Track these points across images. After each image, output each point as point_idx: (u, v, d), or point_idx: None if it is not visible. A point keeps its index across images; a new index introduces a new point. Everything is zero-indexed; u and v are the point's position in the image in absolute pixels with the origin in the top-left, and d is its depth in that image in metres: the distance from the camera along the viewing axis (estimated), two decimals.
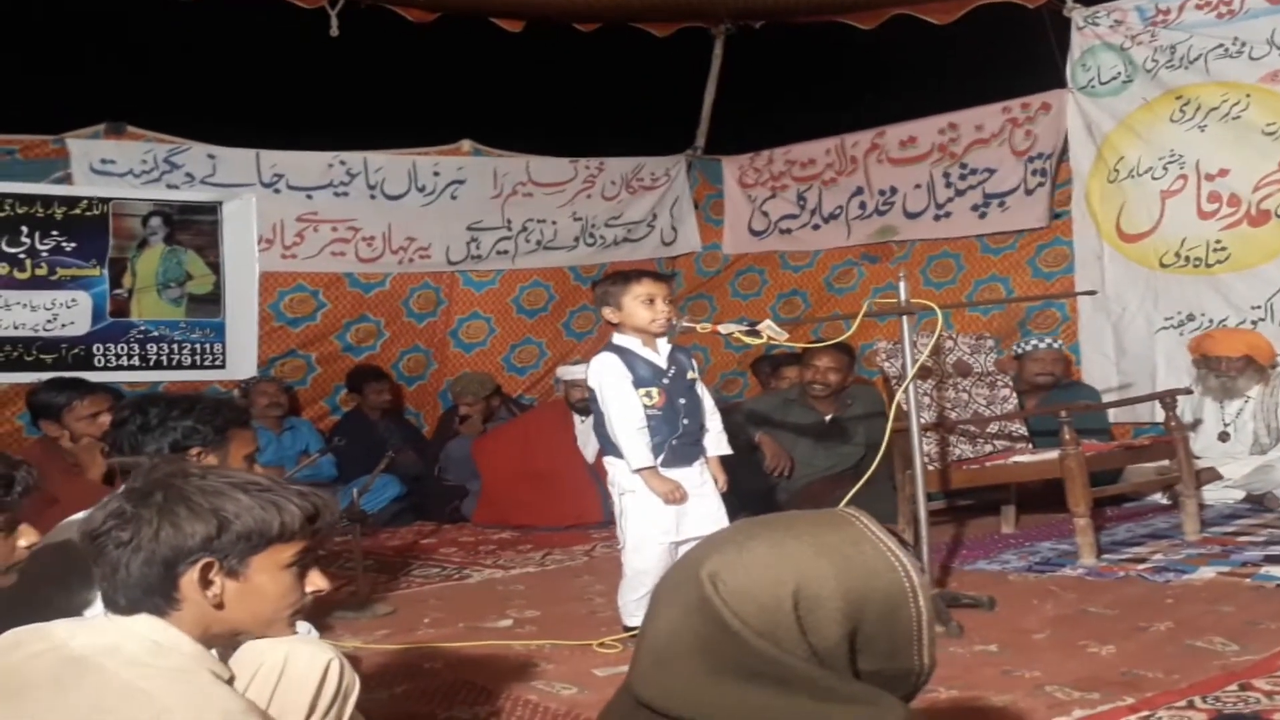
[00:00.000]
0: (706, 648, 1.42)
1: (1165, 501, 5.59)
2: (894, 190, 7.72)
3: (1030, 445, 5.38)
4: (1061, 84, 6.92)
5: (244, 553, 1.72)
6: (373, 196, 7.45)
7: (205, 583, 1.71)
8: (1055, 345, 6.30)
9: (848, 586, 1.43)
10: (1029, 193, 7.12)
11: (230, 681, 1.76)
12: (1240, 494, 5.62)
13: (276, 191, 7.16)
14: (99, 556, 1.72)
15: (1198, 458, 5.55)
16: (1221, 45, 6.28)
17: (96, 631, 1.69)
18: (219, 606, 1.72)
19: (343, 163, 7.37)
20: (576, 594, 4.65)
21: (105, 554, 1.71)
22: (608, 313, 3.89)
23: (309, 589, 1.81)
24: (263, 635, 1.82)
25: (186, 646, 1.70)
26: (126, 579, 1.70)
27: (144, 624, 1.70)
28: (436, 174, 7.64)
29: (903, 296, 3.99)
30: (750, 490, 5.37)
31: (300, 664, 1.89)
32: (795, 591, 1.42)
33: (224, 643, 1.81)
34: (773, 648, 1.40)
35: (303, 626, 2.67)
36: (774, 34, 7.94)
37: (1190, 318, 6.43)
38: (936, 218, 7.54)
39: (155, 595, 1.70)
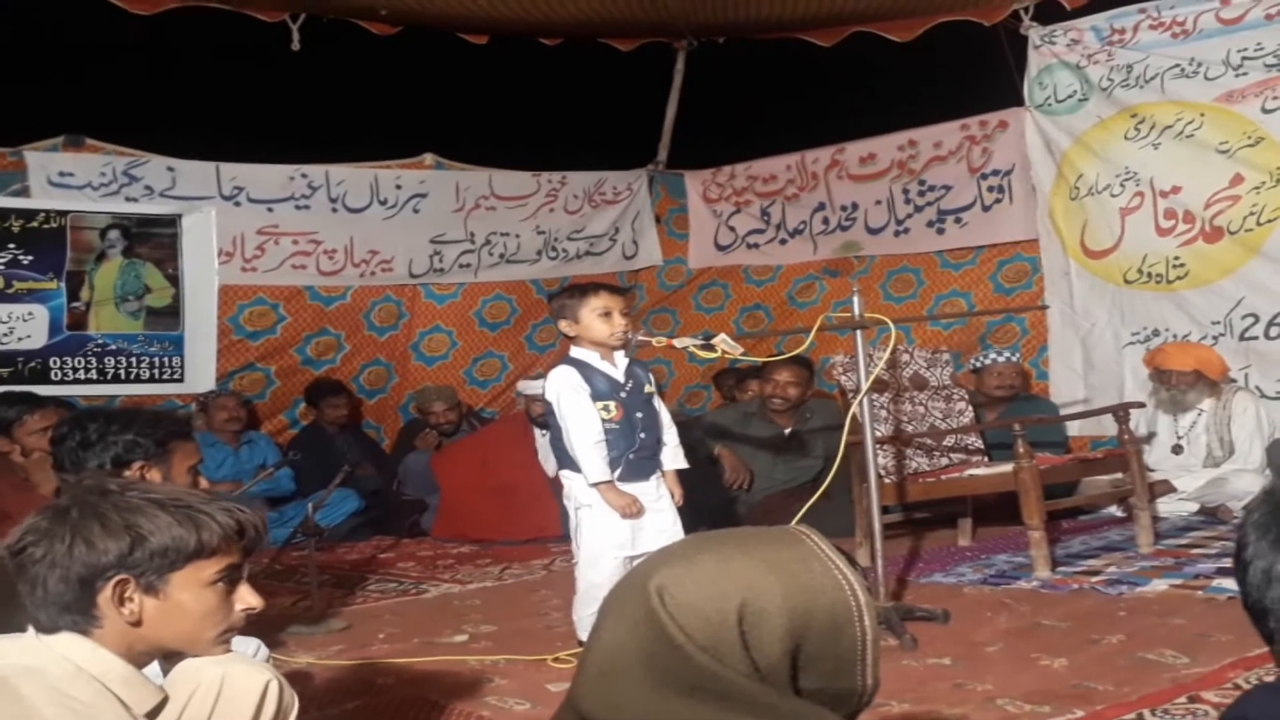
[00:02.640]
0: (650, 661, 1.41)
1: (1120, 514, 5.63)
2: (855, 206, 7.77)
3: (986, 458, 5.42)
4: (1019, 102, 6.98)
5: (161, 569, 1.70)
6: (334, 209, 7.41)
7: (121, 600, 1.69)
8: (1013, 358, 6.37)
9: (793, 604, 1.41)
10: (986, 209, 7.18)
11: (162, 704, 1.74)
12: (1194, 506, 5.68)
13: (237, 204, 7.11)
14: (20, 573, 1.70)
15: (1152, 470, 5.62)
16: (1178, 65, 6.35)
17: (24, 651, 1.67)
18: (137, 624, 1.70)
19: (304, 175, 7.33)
20: (533, 609, 4.64)
21: (25, 570, 1.69)
22: (564, 326, 3.89)
23: (239, 606, 1.78)
24: (194, 653, 1.79)
25: (113, 670, 1.67)
26: (45, 596, 1.68)
27: (68, 645, 1.67)
28: (398, 187, 7.61)
29: (857, 311, 4.02)
30: (709, 503, 5.38)
31: (238, 685, 1.86)
32: (740, 606, 1.40)
33: (152, 660, 1.78)
34: (714, 663, 1.39)
35: (251, 644, 2.65)
36: (736, 50, 7.97)
37: (1156, 333, 6.48)
38: (896, 234, 7.60)
39: (73, 613, 1.68)
